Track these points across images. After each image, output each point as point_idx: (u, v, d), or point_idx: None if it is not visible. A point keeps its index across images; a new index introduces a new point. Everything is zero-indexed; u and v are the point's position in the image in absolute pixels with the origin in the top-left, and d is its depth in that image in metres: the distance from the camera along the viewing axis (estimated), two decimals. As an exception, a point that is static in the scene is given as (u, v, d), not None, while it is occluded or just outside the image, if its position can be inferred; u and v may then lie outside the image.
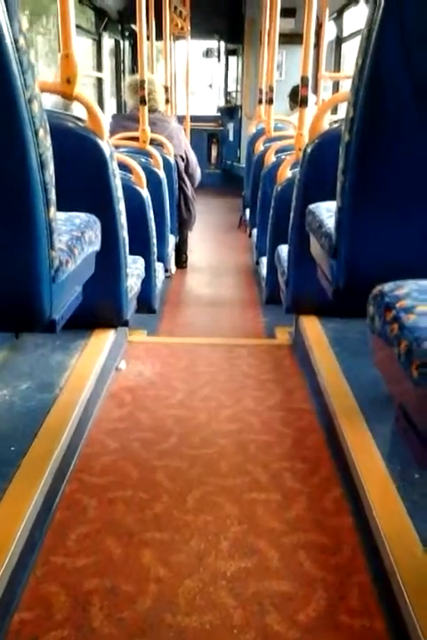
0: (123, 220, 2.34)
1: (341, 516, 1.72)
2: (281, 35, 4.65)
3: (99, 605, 1.40)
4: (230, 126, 9.65)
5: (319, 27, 5.24)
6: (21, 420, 1.89)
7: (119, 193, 2.29)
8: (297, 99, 3.07)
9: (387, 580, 1.37)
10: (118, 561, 1.54)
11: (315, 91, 5.30)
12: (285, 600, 1.43)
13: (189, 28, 7.32)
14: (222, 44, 9.89)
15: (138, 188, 2.82)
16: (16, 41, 1.10)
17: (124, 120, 4.22)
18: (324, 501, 1.79)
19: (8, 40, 1.08)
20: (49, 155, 1.27)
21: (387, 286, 1.17)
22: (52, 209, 1.31)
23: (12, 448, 1.72)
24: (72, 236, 1.56)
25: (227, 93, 10.26)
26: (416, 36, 1.36)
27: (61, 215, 1.62)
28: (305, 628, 1.36)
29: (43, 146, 1.23)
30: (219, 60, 10.19)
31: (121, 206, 2.32)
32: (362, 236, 1.58)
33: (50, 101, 3.64)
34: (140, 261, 2.83)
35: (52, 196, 1.30)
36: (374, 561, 1.50)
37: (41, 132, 1.21)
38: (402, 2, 1.34)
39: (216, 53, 10.08)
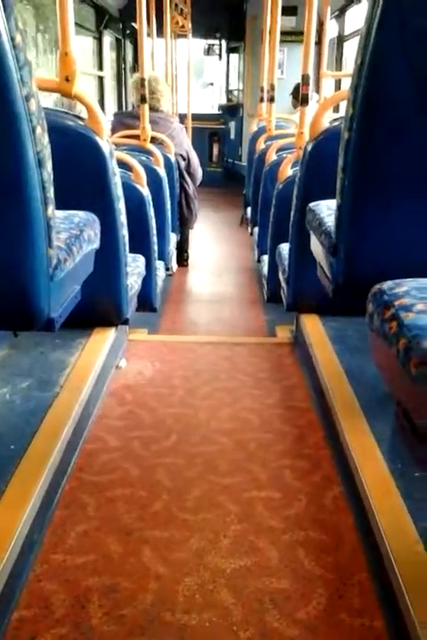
0: (122, 218, 2.34)
1: (341, 515, 1.72)
2: (282, 33, 4.64)
3: (98, 603, 1.40)
4: (232, 124, 9.64)
5: (321, 25, 5.23)
6: (21, 418, 1.89)
7: (119, 191, 2.29)
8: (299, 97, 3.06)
9: (387, 579, 1.37)
10: (118, 559, 1.54)
11: (317, 89, 5.29)
12: (284, 598, 1.43)
13: (190, 25, 7.31)
14: (223, 42, 9.88)
15: (138, 186, 2.82)
16: (13, 38, 1.10)
17: (125, 118, 4.22)
18: (324, 499, 1.79)
19: (5, 37, 1.08)
20: (47, 152, 1.27)
21: (386, 284, 1.16)
22: (51, 207, 1.31)
23: (12, 446, 1.72)
24: (71, 234, 1.56)
25: (228, 91, 10.25)
26: (416, 33, 1.35)
27: (60, 213, 1.61)
28: (304, 625, 1.36)
29: (40, 143, 1.23)
30: (220, 58, 10.18)
31: (121, 204, 2.32)
32: (362, 234, 1.57)
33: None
34: (141, 260, 2.83)
35: (51, 193, 1.30)
36: (373, 559, 1.50)
37: (38, 130, 1.21)
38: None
39: (217, 51, 10.07)
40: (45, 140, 1.26)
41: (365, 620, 1.38)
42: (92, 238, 1.73)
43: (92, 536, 1.62)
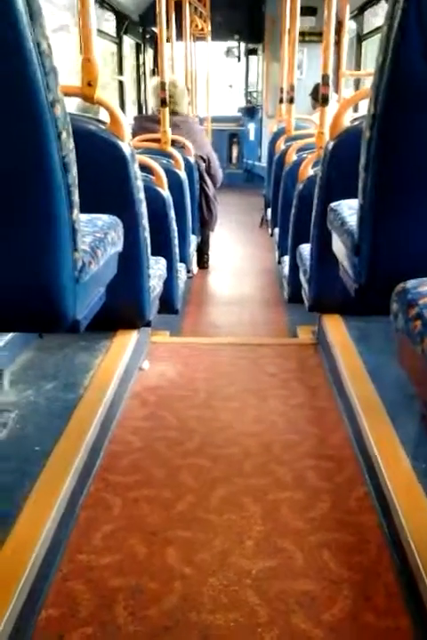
0: (144, 221, 2.36)
1: (366, 515, 1.71)
2: (301, 33, 4.64)
3: (124, 603, 1.41)
4: (251, 126, 9.65)
5: (340, 24, 5.21)
6: (46, 419, 1.91)
7: (141, 194, 2.30)
8: (318, 97, 3.05)
9: (413, 580, 1.36)
10: (143, 559, 1.55)
11: (336, 89, 5.27)
12: (310, 599, 1.43)
13: (209, 28, 7.33)
14: (242, 43, 9.89)
15: (159, 189, 2.83)
16: (39, 44, 1.11)
17: (146, 122, 4.25)
18: (348, 500, 1.78)
19: (31, 44, 1.10)
20: (72, 157, 1.29)
21: (410, 283, 1.16)
22: (76, 211, 1.33)
23: (37, 448, 1.75)
24: (95, 238, 1.57)
25: (247, 93, 10.25)
26: None
27: (84, 217, 1.63)
28: (330, 627, 1.36)
29: (66, 148, 1.24)
30: (239, 60, 10.19)
31: (142, 207, 2.33)
32: (385, 234, 1.56)
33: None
34: (162, 262, 2.84)
35: (75, 197, 1.32)
36: (399, 560, 1.49)
37: (64, 135, 1.23)
38: None
39: (236, 53, 10.09)
40: (71, 144, 1.27)
41: (391, 622, 1.37)
42: (115, 241, 1.75)
43: (117, 536, 1.63)
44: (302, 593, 1.45)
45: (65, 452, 1.73)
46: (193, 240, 4.08)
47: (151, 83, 4.55)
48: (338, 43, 5.24)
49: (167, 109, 3.39)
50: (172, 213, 2.92)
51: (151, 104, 4.51)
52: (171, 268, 2.95)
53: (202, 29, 7.21)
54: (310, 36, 7.70)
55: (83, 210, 1.43)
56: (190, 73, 6.54)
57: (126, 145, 2.18)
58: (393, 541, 1.55)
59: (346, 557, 1.56)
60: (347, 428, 2.15)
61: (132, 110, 7.84)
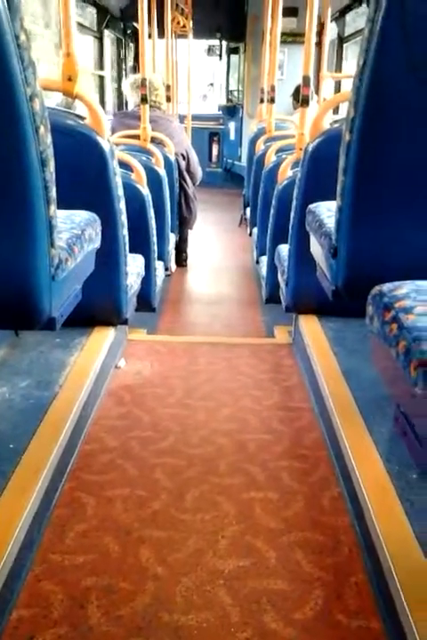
0: (123, 218, 2.35)
1: (338, 516, 1.72)
2: (283, 34, 4.65)
3: (96, 603, 1.41)
4: (232, 125, 9.65)
5: (321, 26, 5.24)
6: (21, 417, 1.89)
7: (120, 191, 2.29)
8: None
9: (384, 580, 1.37)
10: (116, 559, 1.54)
11: (317, 90, 5.30)
12: (282, 599, 1.44)
13: (191, 26, 7.32)
14: (224, 42, 9.88)
15: (138, 186, 2.82)
16: (17, 37, 1.10)
17: (125, 118, 4.22)
18: (321, 501, 1.79)
19: (9, 37, 1.08)
20: (50, 152, 1.27)
21: (386, 286, 1.17)
22: (53, 207, 1.32)
23: (11, 445, 1.73)
24: (72, 234, 1.56)
25: (228, 92, 10.26)
26: (418, 34, 1.36)
27: (61, 213, 1.62)
28: (302, 626, 1.37)
29: (43, 143, 1.23)
30: (220, 59, 10.18)
31: (121, 204, 2.32)
32: (362, 236, 1.58)
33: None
34: (140, 259, 2.83)
35: (53, 193, 1.31)
36: (371, 560, 1.50)
37: (42, 130, 1.21)
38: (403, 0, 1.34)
39: (218, 52, 10.08)
40: (48, 139, 1.26)
41: (361, 622, 1.39)
42: (93, 238, 1.74)
43: (90, 536, 1.62)
44: (275, 592, 1.46)
45: (39, 450, 1.72)
46: (172, 238, 4.07)
47: (129, 79, 4.53)
48: (319, 44, 5.29)
49: (147, 106, 3.38)
50: (151, 211, 2.91)
51: (130, 100, 4.48)
52: (149, 266, 2.94)
53: (184, 26, 7.19)
54: (292, 37, 7.72)
55: (60, 206, 1.42)
56: (171, 70, 6.52)
57: (106, 141, 2.17)
58: (365, 542, 1.56)
59: (318, 557, 1.57)
60: (321, 429, 2.16)
61: (112, 106, 7.79)
